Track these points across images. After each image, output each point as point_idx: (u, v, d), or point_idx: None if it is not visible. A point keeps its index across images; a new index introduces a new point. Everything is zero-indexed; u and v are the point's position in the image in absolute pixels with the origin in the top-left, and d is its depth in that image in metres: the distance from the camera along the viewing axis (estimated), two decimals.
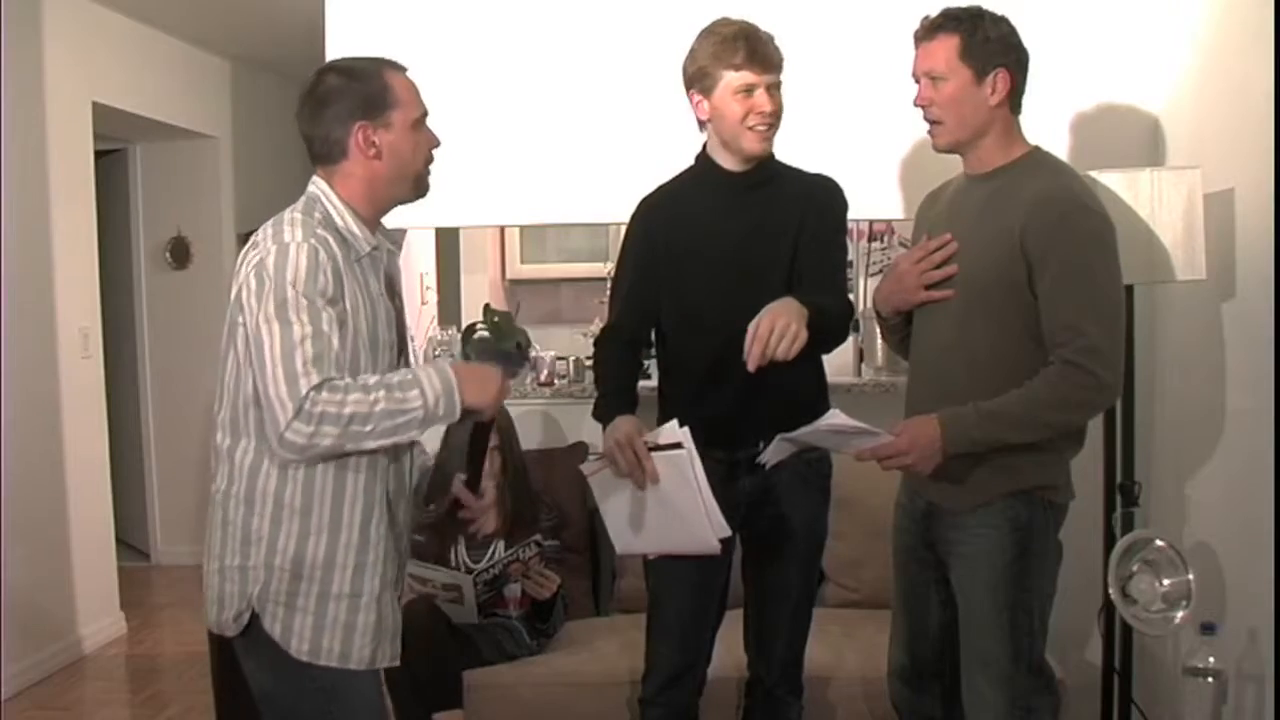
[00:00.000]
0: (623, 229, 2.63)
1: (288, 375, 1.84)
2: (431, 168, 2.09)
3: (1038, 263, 2.18)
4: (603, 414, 2.43)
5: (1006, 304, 2.23)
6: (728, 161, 2.45)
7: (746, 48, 2.33)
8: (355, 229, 2.00)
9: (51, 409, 4.49)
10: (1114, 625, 2.90)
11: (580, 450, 3.52)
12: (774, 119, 2.38)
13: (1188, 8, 3.09)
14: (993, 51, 2.23)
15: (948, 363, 2.32)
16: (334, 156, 2.01)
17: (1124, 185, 2.72)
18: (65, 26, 4.55)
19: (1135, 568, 2.58)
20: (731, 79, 2.35)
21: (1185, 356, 3.10)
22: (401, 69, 2.06)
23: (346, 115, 1.98)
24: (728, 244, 2.45)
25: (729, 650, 2.73)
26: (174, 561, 5.90)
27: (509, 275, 5.68)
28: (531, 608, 3.22)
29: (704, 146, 2.51)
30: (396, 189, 2.05)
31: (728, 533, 2.32)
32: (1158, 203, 2.70)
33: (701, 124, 2.46)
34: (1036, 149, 2.33)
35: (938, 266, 2.31)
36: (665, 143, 2.48)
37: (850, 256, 4.22)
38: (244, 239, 6.48)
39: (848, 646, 3.08)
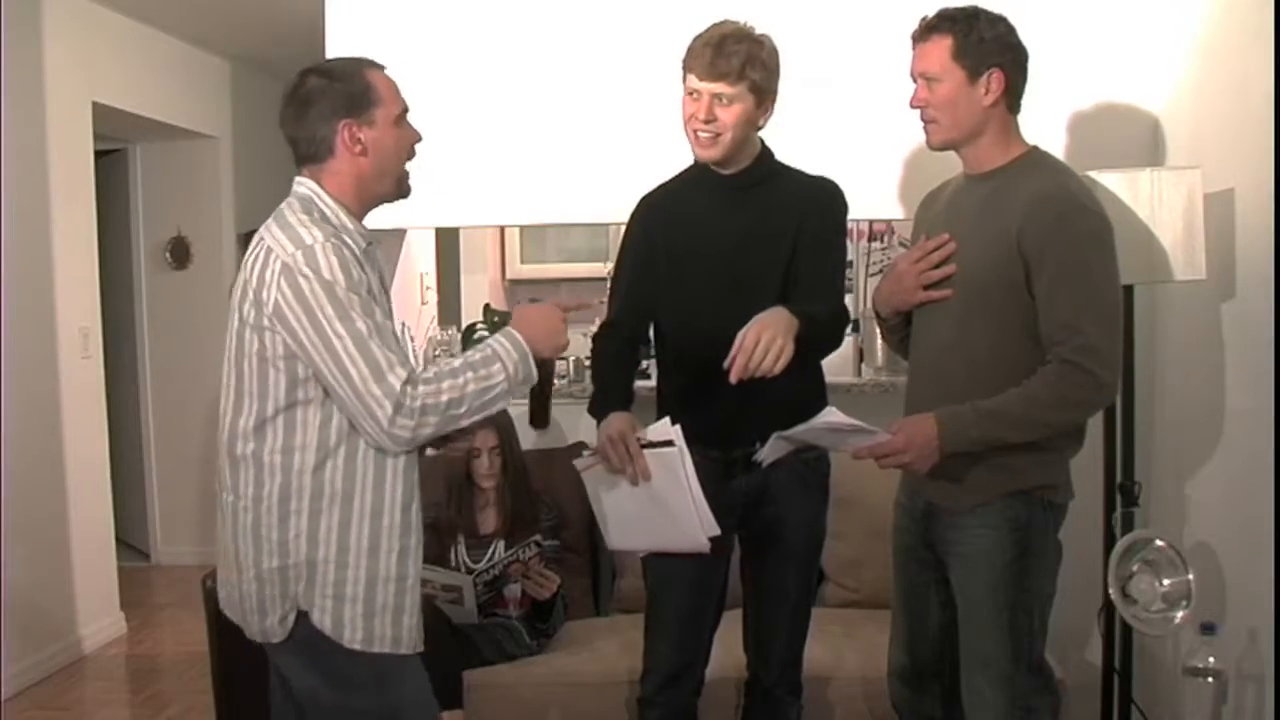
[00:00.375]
0: (623, 229, 2.63)
1: (374, 373, 1.88)
2: (413, 164, 2.12)
3: (1035, 263, 2.19)
4: (597, 410, 2.44)
5: (1005, 304, 2.23)
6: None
7: (700, 53, 2.33)
8: (350, 225, 2.02)
9: (51, 409, 4.49)
10: (1114, 625, 2.91)
11: (580, 450, 3.52)
12: (713, 128, 2.35)
13: (1188, 8, 3.09)
14: (987, 52, 2.23)
15: (947, 363, 2.32)
16: (320, 155, 2.03)
17: (1124, 185, 2.72)
18: (65, 26, 4.56)
19: (1135, 568, 2.58)
20: (688, 81, 2.37)
21: (1185, 356, 3.10)
22: (380, 67, 2.09)
23: (331, 114, 2.00)
24: (724, 244, 2.45)
25: (728, 650, 2.72)
26: (174, 561, 5.90)
27: (509, 275, 5.68)
28: (531, 608, 3.22)
29: None
30: (380, 186, 2.08)
31: (717, 531, 2.33)
32: (1158, 203, 2.70)
33: None
34: (1035, 149, 2.33)
35: (936, 266, 2.31)
36: (665, 143, 2.48)
37: (850, 257, 4.23)
38: (244, 239, 6.50)
39: (848, 646, 3.08)
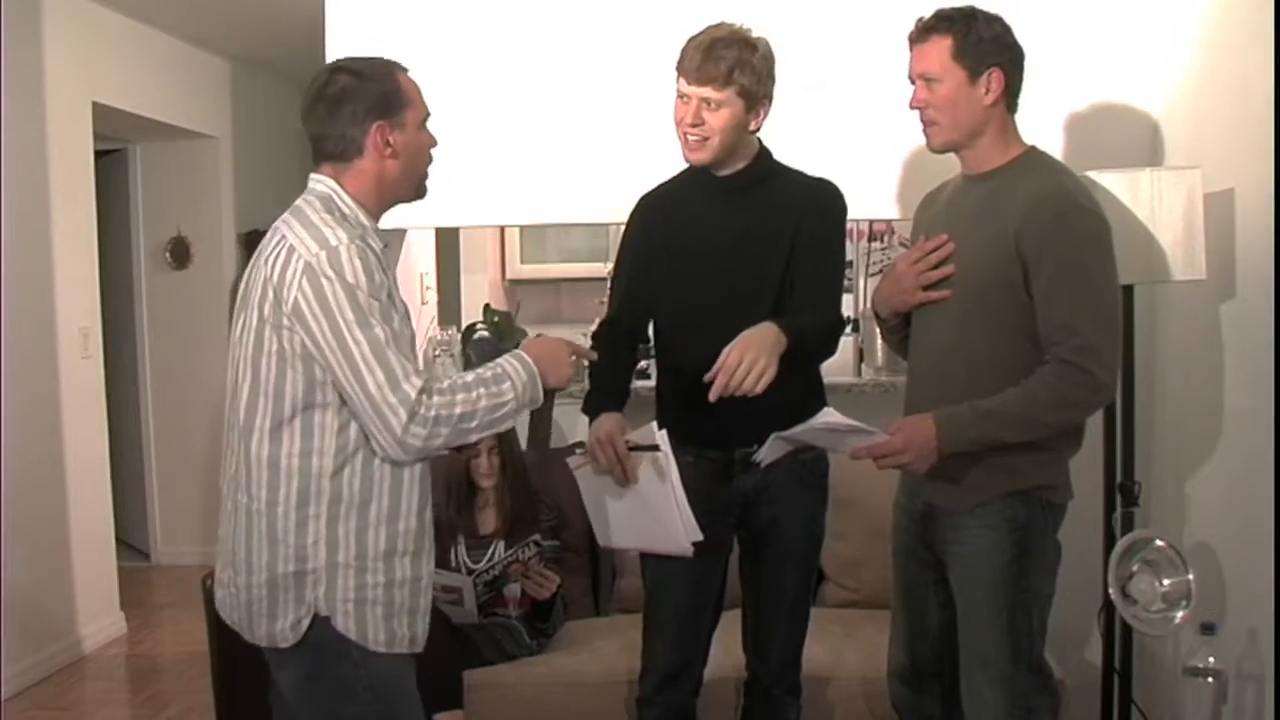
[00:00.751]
0: (622, 229, 2.63)
1: (390, 379, 1.88)
2: (430, 169, 2.13)
3: (1033, 263, 2.19)
4: (591, 409, 2.45)
5: (1004, 304, 2.23)
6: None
7: (690, 57, 2.33)
8: (369, 226, 2.02)
9: (51, 409, 4.49)
10: (1114, 625, 2.90)
11: (578, 450, 3.52)
12: (700, 132, 2.35)
13: (1188, 8, 3.09)
14: (986, 51, 2.23)
15: (947, 363, 2.32)
16: (348, 155, 2.01)
17: (1124, 185, 2.72)
18: (65, 26, 4.56)
19: (1135, 568, 2.58)
20: (679, 84, 2.37)
21: (1185, 356, 3.10)
22: (405, 70, 2.09)
23: (364, 114, 1.99)
24: (722, 245, 2.44)
25: (727, 650, 2.73)
26: (174, 561, 5.90)
27: (509, 275, 5.68)
28: (531, 608, 3.22)
29: None
30: (402, 189, 2.08)
31: (699, 536, 2.33)
32: (1157, 203, 2.70)
33: None
34: (1033, 149, 2.33)
35: (935, 267, 2.31)
36: (665, 143, 2.48)
37: (850, 257, 4.23)
38: (244, 239, 6.49)
39: (847, 646, 3.08)
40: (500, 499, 3.31)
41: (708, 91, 2.32)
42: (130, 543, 5.93)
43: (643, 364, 3.38)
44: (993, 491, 2.26)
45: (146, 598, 5.38)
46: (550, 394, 2.13)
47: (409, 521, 2.01)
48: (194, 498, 5.74)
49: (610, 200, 3.14)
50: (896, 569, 2.52)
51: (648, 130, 3.20)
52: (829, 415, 2.22)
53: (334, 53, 3.52)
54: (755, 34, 2.37)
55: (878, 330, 3.11)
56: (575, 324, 4.87)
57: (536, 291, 5.65)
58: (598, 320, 2.65)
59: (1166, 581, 2.55)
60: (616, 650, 3.07)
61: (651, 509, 2.35)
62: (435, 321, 4.86)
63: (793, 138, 2.62)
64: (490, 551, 3.27)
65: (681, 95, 2.37)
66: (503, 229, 5.49)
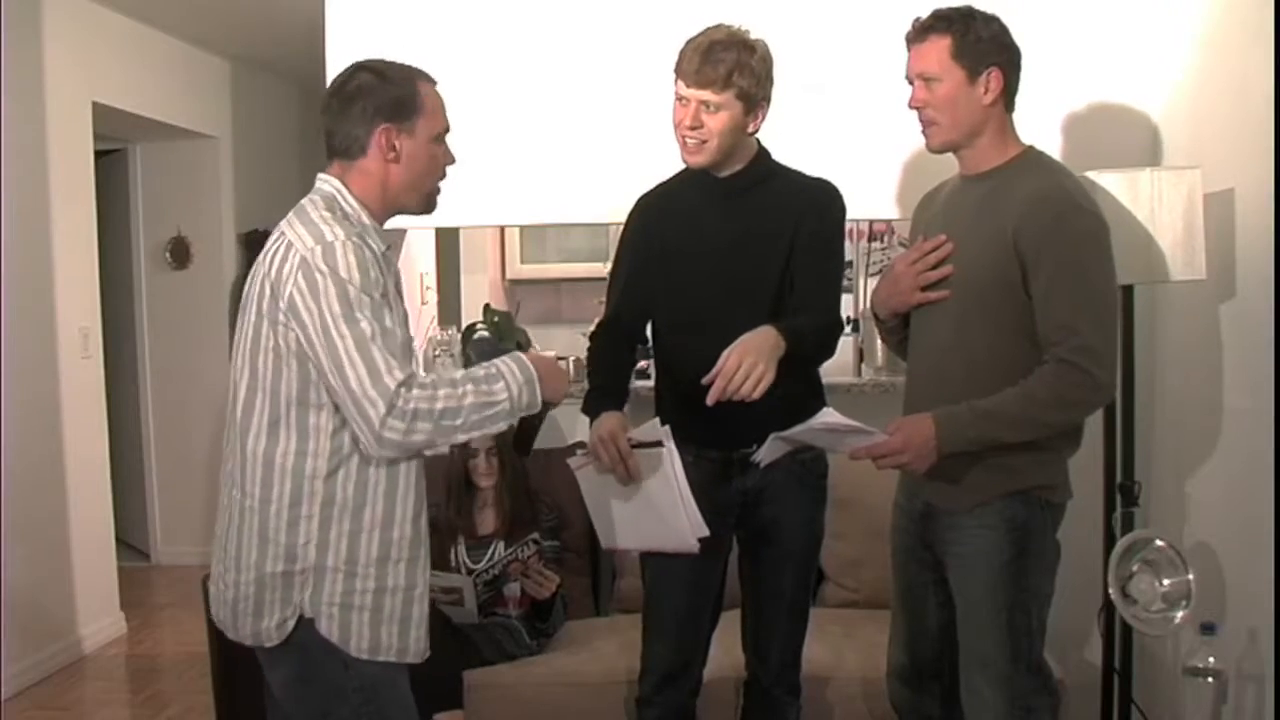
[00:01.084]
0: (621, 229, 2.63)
1: (371, 373, 1.85)
2: (441, 185, 2.11)
3: (1032, 262, 2.18)
4: (591, 409, 2.44)
5: (1003, 304, 2.23)
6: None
7: (689, 60, 2.33)
8: (371, 226, 2.02)
9: (51, 409, 4.49)
10: (1114, 625, 2.90)
11: (578, 450, 3.51)
12: (699, 135, 2.35)
13: (1187, 7, 3.09)
14: (985, 51, 2.23)
15: (946, 364, 2.32)
16: (353, 152, 2.01)
17: (1124, 185, 2.72)
18: (65, 26, 4.56)
19: (1135, 568, 2.58)
20: (677, 87, 2.37)
21: (1185, 356, 3.10)
22: (433, 81, 2.07)
23: (373, 114, 1.99)
24: (720, 245, 2.44)
25: (726, 651, 2.73)
26: (174, 561, 5.90)
27: (509, 275, 5.68)
28: (531, 607, 3.22)
29: None
30: (406, 197, 2.06)
31: (706, 532, 2.33)
32: (1157, 203, 2.70)
33: None
34: (1031, 149, 2.33)
35: (934, 268, 2.31)
36: (665, 143, 2.48)
37: (850, 257, 4.23)
38: (244, 239, 6.50)
39: (847, 646, 3.08)
40: (499, 499, 3.31)
41: (706, 94, 2.32)
42: (130, 543, 5.93)
43: (643, 364, 3.38)
44: (992, 491, 2.26)
45: (146, 598, 5.38)
46: (545, 407, 2.08)
47: (404, 528, 2.00)
48: (194, 498, 5.74)
49: (610, 200, 3.14)
50: (896, 569, 2.52)
51: (648, 130, 3.20)
52: (828, 415, 2.22)
53: (334, 53, 3.52)
54: (754, 35, 2.37)
55: (877, 331, 3.12)
56: (575, 324, 4.87)
57: (536, 291, 5.66)
58: (596, 321, 2.65)
59: (1166, 581, 2.55)
60: (616, 650, 3.07)
61: (656, 507, 2.34)
62: (435, 321, 4.86)
63: (792, 138, 2.62)
64: (490, 551, 3.27)
65: (680, 98, 2.36)
66: (503, 229, 5.49)
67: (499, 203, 3.56)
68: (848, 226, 2.73)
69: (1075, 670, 3.14)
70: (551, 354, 4.14)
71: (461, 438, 1.95)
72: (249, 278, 2.03)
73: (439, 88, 2.08)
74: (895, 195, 3.33)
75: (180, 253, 5.90)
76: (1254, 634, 2.63)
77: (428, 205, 2.11)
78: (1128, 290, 2.81)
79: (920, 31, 2.27)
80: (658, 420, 2.35)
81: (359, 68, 2.04)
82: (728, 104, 2.33)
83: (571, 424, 3.72)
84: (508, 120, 3.46)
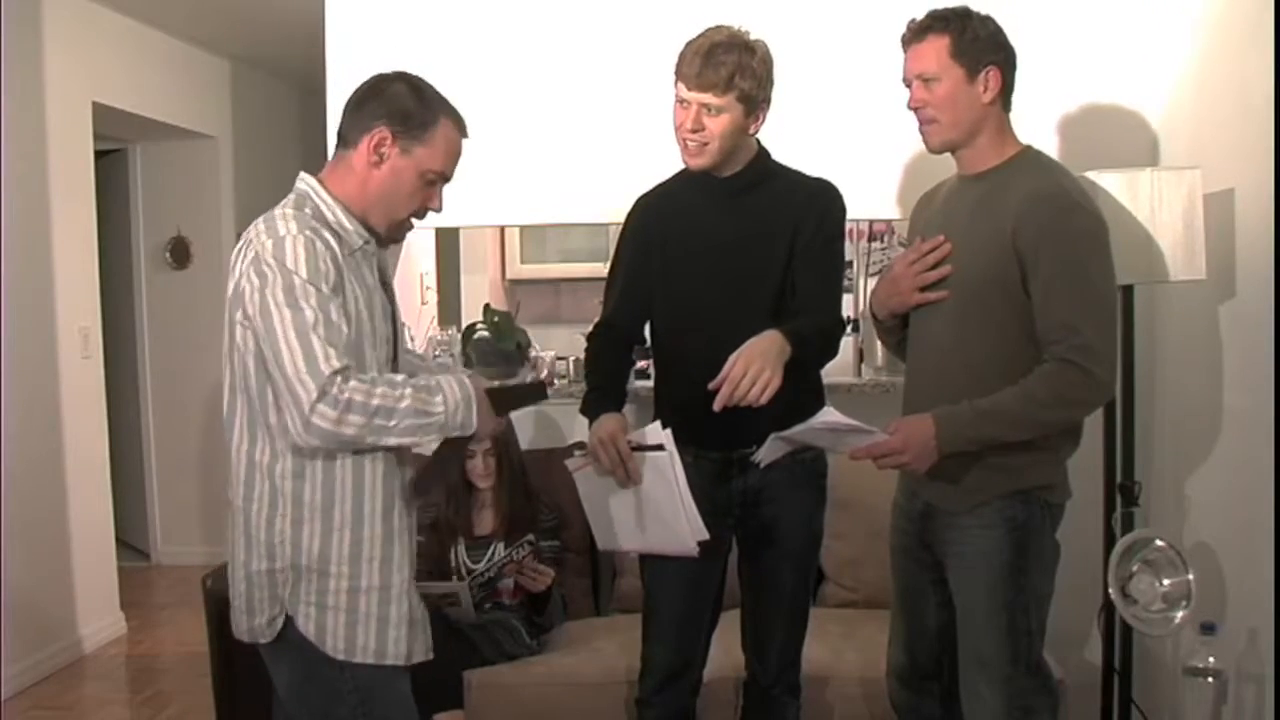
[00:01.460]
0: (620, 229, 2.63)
1: (306, 357, 1.83)
2: (413, 227, 2.09)
3: (1030, 262, 2.18)
4: (590, 410, 2.43)
5: (1001, 304, 2.23)
6: None
7: (690, 63, 2.32)
8: (346, 223, 2.00)
9: (51, 409, 4.49)
10: (1114, 625, 2.90)
11: (578, 451, 3.51)
12: (700, 138, 2.35)
13: (1187, 8, 3.09)
14: (983, 49, 2.24)
15: (945, 364, 2.32)
16: (346, 142, 2.01)
17: (1123, 185, 2.72)
18: (65, 26, 4.56)
19: (1135, 568, 2.58)
20: (678, 90, 2.36)
21: (1185, 356, 3.10)
22: (462, 129, 2.04)
23: (381, 115, 1.98)
24: (719, 246, 2.44)
25: (726, 650, 2.73)
26: (174, 561, 5.90)
27: (509, 275, 5.68)
28: (527, 599, 3.22)
29: None
30: (374, 212, 2.02)
31: (705, 535, 2.33)
32: (1157, 203, 2.70)
33: None
34: (1029, 148, 2.33)
35: (932, 268, 2.31)
36: (665, 143, 2.48)
37: (850, 257, 4.22)
38: None
39: (847, 646, 3.08)
40: (497, 500, 3.31)
41: (708, 98, 2.32)
42: (130, 543, 5.92)
43: (642, 364, 3.37)
44: (991, 492, 2.26)
45: (146, 598, 5.38)
46: (462, 443, 2.01)
47: (373, 526, 1.99)
48: (194, 498, 5.73)
49: (610, 200, 3.14)
50: (895, 569, 2.52)
51: (647, 130, 3.20)
52: (828, 414, 2.22)
53: (334, 53, 3.52)
54: (754, 36, 2.37)
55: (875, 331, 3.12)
56: (575, 324, 4.87)
57: (536, 291, 5.65)
58: (594, 322, 2.64)
59: (1166, 581, 2.55)
60: (616, 650, 3.07)
61: (655, 510, 2.33)
62: (435, 321, 4.86)
63: (793, 138, 2.62)
64: (489, 552, 3.27)
65: (681, 101, 2.36)
66: (503, 229, 5.49)
67: (499, 203, 3.56)
68: (848, 226, 2.73)
69: (1075, 670, 3.13)
70: (550, 354, 4.15)
71: (392, 441, 1.90)
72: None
73: (438, 88, 2.07)
74: (895, 195, 3.33)
75: (180, 253, 5.91)
76: (1254, 634, 2.63)
77: (391, 233, 2.06)
78: (1128, 290, 2.81)
79: (917, 32, 2.27)
80: (658, 423, 2.34)
81: (399, 76, 2.03)
82: (729, 106, 2.32)
83: (570, 424, 3.72)
84: (508, 120, 3.46)
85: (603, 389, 2.48)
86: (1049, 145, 3.03)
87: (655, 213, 2.54)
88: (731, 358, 2.17)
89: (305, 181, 2.04)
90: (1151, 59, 3.24)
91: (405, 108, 1.98)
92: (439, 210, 2.07)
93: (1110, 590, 2.61)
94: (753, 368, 2.15)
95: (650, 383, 2.68)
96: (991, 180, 2.29)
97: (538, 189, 3.50)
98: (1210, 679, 2.58)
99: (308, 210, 1.98)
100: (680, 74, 2.35)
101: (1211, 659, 2.58)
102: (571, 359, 4.13)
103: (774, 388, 2.16)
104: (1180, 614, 2.54)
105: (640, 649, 2.61)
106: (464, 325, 4.51)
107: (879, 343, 3.81)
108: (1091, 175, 2.70)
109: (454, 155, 2.04)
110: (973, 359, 2.27)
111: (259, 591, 1.98)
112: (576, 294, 5.58)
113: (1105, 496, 2.93)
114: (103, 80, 4.85)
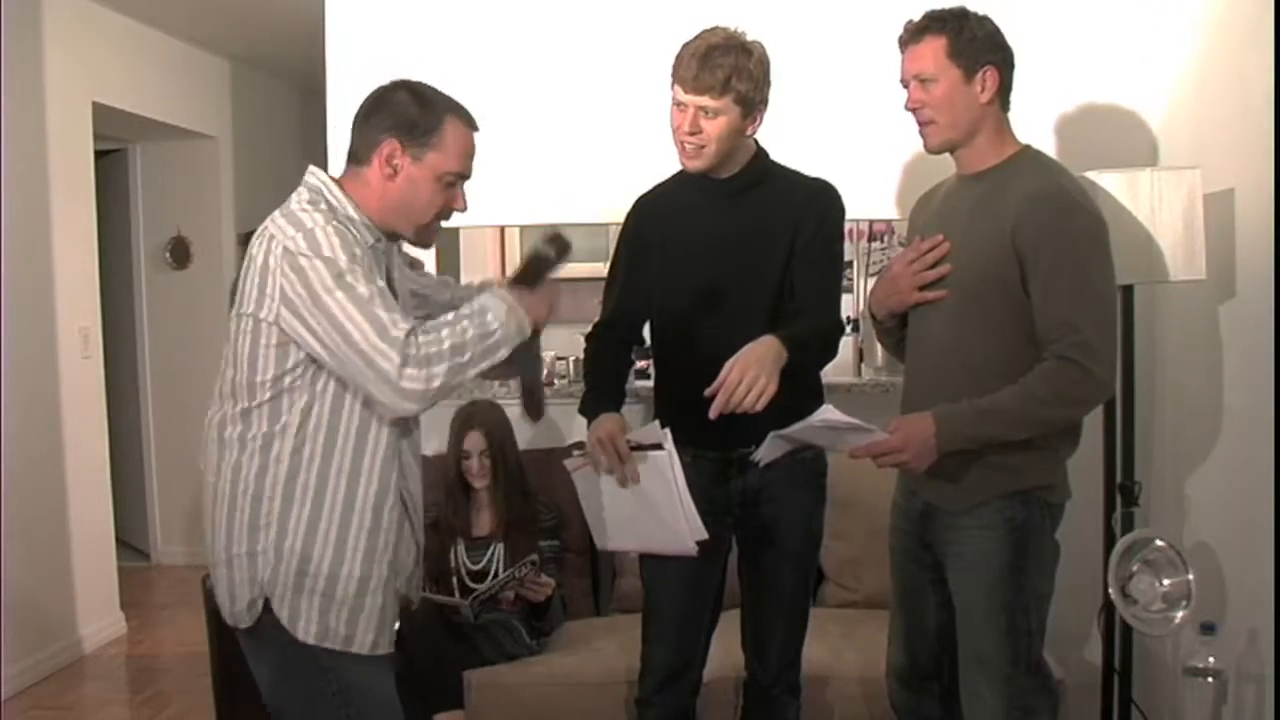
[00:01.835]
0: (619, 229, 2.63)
1: (377, 328, 1.85)
2: (440, 229, 2.10)
3: (1030, 261, 2.18)
4: (588, 410, 2.43)
5: (1000, 303, 2.23)
6: None
7: (687, 65, 2.31)
8: (358, 219, 2.00)
9: (51, 409, 4.49)
10: (1114, 625, 2.90)
11: (576, 451, 3.51)
12: (697, 140, 2.34)
13: (1187, 8, 3.09)
14: (980, 49, 2.24)
15: (944, 363, 2.32)
16: (358, 158, 2.02)
17: (1123, 185, 2.72)
18: (65, 26, 4.56)
19: (1135, 568, 2.58)
20: (674, 92, 2.36)
21: (1185, 356, 3.10)
22: (471, 125, 2.05)
23: (387, 127, 1.98)
24: (717, 246, 2.44)
25: (726, 650, 2.73)
26: (174, 561, 5.91)
27: (509, 275, 5.67)
28: (527, 606, 3.21)
29: None
30: (398, 222, 2.04)
31: (704, 535, 2.32)
32: (1157, 203, 2.70)
33: None
34: (1028, 148, 2.33)
35: (931, 267, 2.31)
36: (665, 143, 2.48)
37: (850, 257, 4.23)
38: (244, 239, 6.48)
39: (847, 646, 3.08)
40: (495, 500, 3.31)
41: (705, 100, 2.31)
42: (130, 543, 5.93)
43: (642, 364, 3.37)
44: (990, 491, 2.26)
45: (146, 598, 5.38)
46: (535, 333, 2.06)
47: (364, 516, 1.99)
48: (194, 498, 5.67)
49: (610, 200, 3.14)
50: (894, 569, 2.52)
51: (647, 131, 3.20)
52: (828, 413, 2.21)
53: (334, 53, 3.52)
54: (750, 37, 2.36)
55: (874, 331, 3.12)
56: (575, 324, 4.85)
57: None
58: (593, 322, 2.64)
59: (1166, 581, 2.55)
60: (616, 650, 3.07)
61: (654, 510, 2.33)
62: None
63: (792, 138, 2.62)
64: (489, 552, 3.27)
65: (678, 103, 2.36)
66: (503, 229, 5.49)
67: (499, 203, 3.55)
68: (848, 226, 2.73)
69: (1075, 670, 3.14)
70: (550, 354, 4.15)
71: (471, 372, 1.93)
72: (241, 274, 2.03)
73: (438, 88, 2.07)
74: (895, 195, 3.33)
75: (180, 253, 5.91)
76: (1254, 634, 2.63)
77: (420, 240, 2.09)
78: (1128, 290, 2.81)
79: (915, 33, 2.27)
80: (657, 422, 2.34)
81: (400, 84, 2.03)
82: (726, 109, 2.32)
83: (569, 424, 3.73)
84: (508, 121, 3.45)
85: (602, 389, 2.48)
86: (1049, 145, 3.03)
87: (654, 213, 2.54)
88: (728, 364, 2.16)
89: (316, 175, 2.03)
90: (1151, 59, 3.24)
91: (410, 116, 1.98)
92: (464, 210, 2.08)
93: (1110, 590, 2.61)
94: (749, 374, 2.14)
95: (650, 383, 2.67)
96: (991, 180, 2.29)
97: (538, 189, 3.50)
98: (1210, 679, 2.58)
99: (323, 206, 1.98)
100: (677, 76, 2.34)
101: (1211, 659, 2.58)
102: (571, 359, 4.14)
103: (769, 394, 2.15)
104: (1180, 614, 2.54)
105: (640, 649, 2.61)
106: None
107: (878, 343, 3.82)
108: (1091, 175, 2.70)
109: (467, 153, 2.05)
110: (972, 359, 2.27)
111: (239, 574, 1.98)
112: (576, 294, 5.53)
113: (1105, 496, 2.93)
114: (103, 80, 4.85)
